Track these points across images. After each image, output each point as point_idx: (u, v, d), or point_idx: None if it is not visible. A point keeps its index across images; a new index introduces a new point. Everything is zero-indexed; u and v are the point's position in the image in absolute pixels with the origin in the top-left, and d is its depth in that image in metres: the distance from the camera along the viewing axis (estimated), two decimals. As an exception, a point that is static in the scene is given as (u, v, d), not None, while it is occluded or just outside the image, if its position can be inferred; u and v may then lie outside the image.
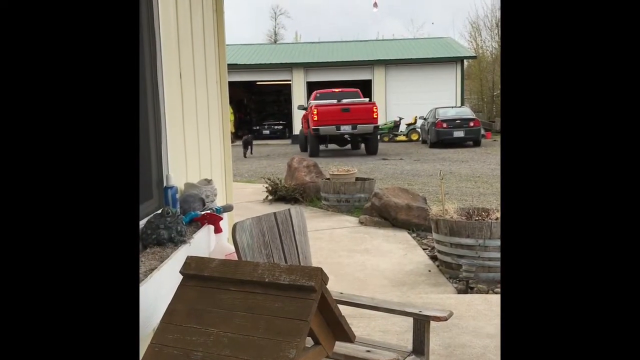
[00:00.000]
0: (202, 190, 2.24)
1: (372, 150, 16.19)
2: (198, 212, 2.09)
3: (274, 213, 1.87)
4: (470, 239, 3.84)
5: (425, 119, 21.13)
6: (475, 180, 9.36)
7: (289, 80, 25.76)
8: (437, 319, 1.76)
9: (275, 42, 52.16)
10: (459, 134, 18.13)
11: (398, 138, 23.44)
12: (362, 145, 17.02)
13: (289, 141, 25.39)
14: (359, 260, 4.38)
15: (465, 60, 25.12)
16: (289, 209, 1.94)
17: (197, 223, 2.07)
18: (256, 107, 33.21)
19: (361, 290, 3.65)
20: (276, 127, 27.26)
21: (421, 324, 1.79)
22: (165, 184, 2.11)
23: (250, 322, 1.20)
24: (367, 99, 16.72)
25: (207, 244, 2.04)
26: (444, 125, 18.27)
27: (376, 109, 15.91)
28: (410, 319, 1.84)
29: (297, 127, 25.24)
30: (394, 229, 5.55)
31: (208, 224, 2.06)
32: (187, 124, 2.50)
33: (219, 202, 3.05)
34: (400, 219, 5.56)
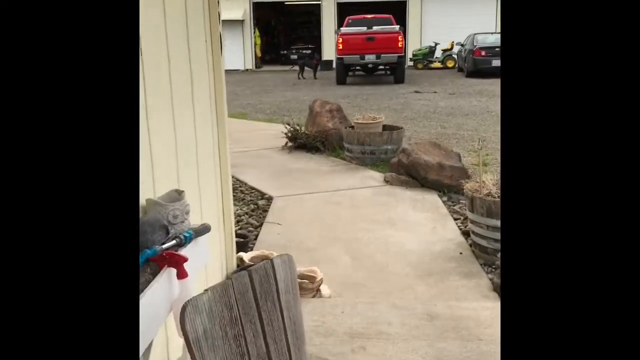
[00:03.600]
0: (168, 210, 1.72)
1: (399, 79, 15.75)
2: (156, 247, 1.58)
3: (248, 271, 1.35)
4: (511, 224, 3.28)
5: (462, 45, 19.87)
6: (515, 122, 8.59)
7: (319, 1, 24.40)
8: None
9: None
10: (498, 63, 16.93)
11: (433, 65, 22.28)
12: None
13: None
14: (381, 237, 3.87)
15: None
16: (271, 261, 1.41)
17: (154, 264, 1.57)
18: (285, 29, 31.92)
19: (381, 282, 3.17)
20: (304, 51, 26.14)
21: None
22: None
23: None
24: (397, 27, 15.69)
25: (167, 294, 1.54)
26: (483, 53, 17.11)
27: (401, 38, 15.30)
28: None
29: (326, 52, 24.16)
30: (422, 190, 4.99)
31: (168, 266, 1.56)
32: (154, 99, 1.94)
33: (207, 214, 2.53)
34: (430, 179, 4.98)
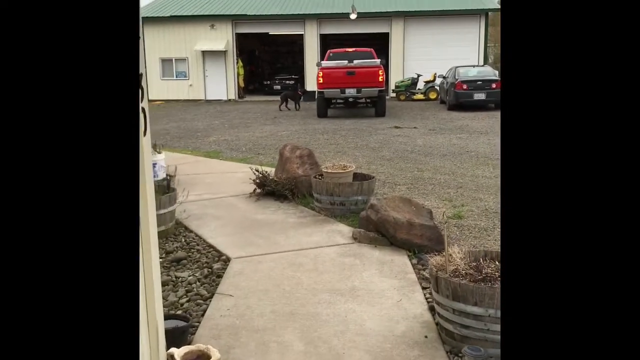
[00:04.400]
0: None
1: (380, 113, 15.74)
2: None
3: None
4: (479, 308, 2.96)
5: (444, 77, 19.85)
6: (494, 164, 8.35)
7: (302, 32, 24.39)
8: None
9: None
10: (479, 96, 16.91)
11: (415, 96, 22.25)
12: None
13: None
14: (341, 312, 3.53)
15: (490, 13, 23.39)
16: None
17: None
18: (269, 59, 31.91)
19: (334, 376, 2.82)
20: (288, 82, 26.05)
21: None
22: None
23: None
24: (377, 61, 15.61)
25: None
26: (464, 86, 17.06)
27: (382, 72, 15.36)
28: None
29: (310, 83, 24.07)
30: (392, 249, 4.67)
31: None
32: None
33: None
34: (399, 238, 4.67)
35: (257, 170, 6.55)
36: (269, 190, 6.39)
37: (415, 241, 4.63)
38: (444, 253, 3.41)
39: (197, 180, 7.53)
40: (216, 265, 4.35)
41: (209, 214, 5.80)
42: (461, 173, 7.76)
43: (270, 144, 10.89)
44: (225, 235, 5.11)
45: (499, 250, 3.54)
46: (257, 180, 6.48)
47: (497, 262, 3.36)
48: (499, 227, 5.23)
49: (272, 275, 4.14)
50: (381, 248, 4.71)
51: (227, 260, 4.49)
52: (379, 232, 4.85)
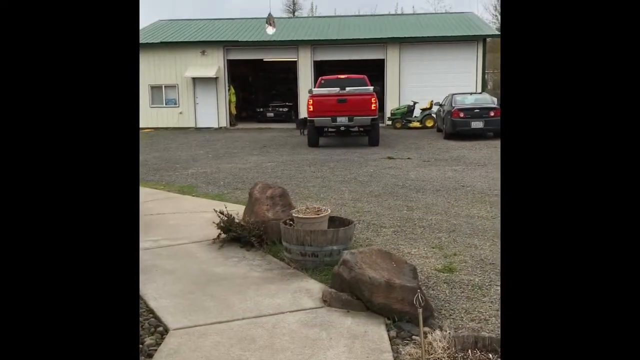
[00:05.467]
0: None
1: (373, 142, 15.14)
2: None
3: None
4: None
5: (441, 105, 19.24)
6: (491, 201, 7.57)
7: (295, 59, 23.90)
8: None
9: (293, 12, 49.86)
10: (477, 124, 16.23)
11: (412, 124, 21.64)
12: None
13: (293, 125, 23.68)
14: (290, 416, 2.71)
15: (488, 39, 22.89)
16: None
17: None
18: (264, 86, 31.43)
19: None
20: (281, 109, 25.48)
21: None
22: None
23: None
24: (370, 88, 14.97)
25: None
26: (461, 114, 16.41)
27: (375, 100, 14.68)
28: None
29: (303, 110, 23.46)
30: (367, 316, 3.87)
31: None
32: None
33: None
34: (376, 302, 3.87)
35: (222, 213, 5.77)
36: (235, 235, 5.60)
37: (394, 306, 3.83)
38: (419, 341, 2.61)
39: (159, 221, 6.74)
40: (148, 341, 3.53)
41: (160, 266, 5.00)
42: (455, 213, 6.98)
43: (252, 178, 10.13)
44: (172, 296, 4.30)
45: (496, 335, 2.74)
46: (222, 224, 5.70)
47: (490, 355, 2.55)
48: (496, 283, 4.43)
49: (213, 356, 3.33)
50: (354, 314, 3.90)
51: (165, 331, 3.68)
52: (353, 294, 4.05)
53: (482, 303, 4.12)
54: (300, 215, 5.03)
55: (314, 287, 4.45)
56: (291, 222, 5.20)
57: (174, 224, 6.63)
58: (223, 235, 5.73)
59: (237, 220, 5.74)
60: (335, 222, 5.31)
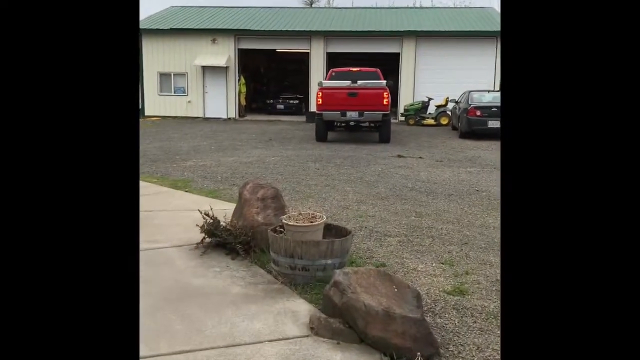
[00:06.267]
0: None
1: (384, 139, 14.31)
2: None
3: None
4: None
5: (457, 102, 18.49)
6: (509, 210, 6.89)
7: (307, 49, 23.24)
8: None
9: (311, 4, 49.06)
10: (494, 124, 15.47)
11: (426, 121, 20.90)
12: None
13: (303, 118, 23.09)
14: None
15: (507, 35, 21.99)
16: None
17: None
18: (276, 77, 30.80)
19: None
20: (292, 101, 24.85)
21: None
22: None
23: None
24: (383, 82, 14.27)
25: None
26: (477, 113, 15.68)
27: (387, 94, 13.90)
28: None
29: (314, 103, 22.81)
30: (360, 350, 3.25)
31: None
32: None
33: None
34: (372, 334, 3.25)
35: (207, 215, 5.16)
36: (219, 240, 5.00)
37: (393, 341, 3.20)
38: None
39: (144, 220, 6.14)
40: (93, 375, 2.94)
41: (131, 275, 4.41)
42: (468, 221, 6.31)
43: (252, 173, 9.53)
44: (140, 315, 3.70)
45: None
46: (206, 227, 5.10)
47: None
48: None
49: (166, 400, 2.73)
50: (345, 347, 3.28)
51: (117, 362, 3.08)
52: (346, 322, 3.43)
53: (497, 337, 3.48)
54: (291, 223, 4.40)
55: (301, 308, 3.83)
56: (281, 229, 4.58)
57: (157, 224, 6.05)
58: (207, 240, 5.13)
59: (223, 224, 5.13)
60: (332, 230, 4.69)
